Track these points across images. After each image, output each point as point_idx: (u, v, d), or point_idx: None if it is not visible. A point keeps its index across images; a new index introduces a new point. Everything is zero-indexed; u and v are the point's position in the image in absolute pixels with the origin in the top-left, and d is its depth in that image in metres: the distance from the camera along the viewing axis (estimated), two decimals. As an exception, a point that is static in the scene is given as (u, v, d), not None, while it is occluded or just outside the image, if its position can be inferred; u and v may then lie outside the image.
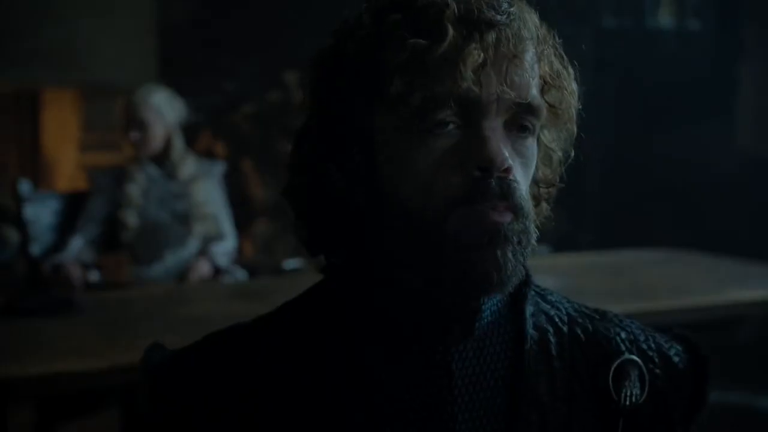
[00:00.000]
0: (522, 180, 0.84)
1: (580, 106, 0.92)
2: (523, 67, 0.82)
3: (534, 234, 0.85)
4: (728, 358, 3.71)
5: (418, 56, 0.80)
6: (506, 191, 0.81)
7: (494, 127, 0.82)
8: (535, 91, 0.84)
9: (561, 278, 3.01)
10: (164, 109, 3.41)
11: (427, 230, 0.82)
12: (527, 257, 0.85)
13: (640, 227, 5.55)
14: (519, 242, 0.83)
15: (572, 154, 0.93)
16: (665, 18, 6.20)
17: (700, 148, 5.67)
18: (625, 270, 3.37)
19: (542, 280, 1.00)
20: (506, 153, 0.81)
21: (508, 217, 0.82)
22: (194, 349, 0.92)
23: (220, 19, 5.72)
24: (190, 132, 4.93)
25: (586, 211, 6.04)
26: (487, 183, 0.81)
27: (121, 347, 2.20)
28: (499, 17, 0.82)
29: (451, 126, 0.82)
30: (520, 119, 0.84)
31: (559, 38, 0.90)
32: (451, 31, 0.80)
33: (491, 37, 0.81)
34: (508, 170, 0.81)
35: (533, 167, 0.87)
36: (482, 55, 0.80)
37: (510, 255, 0.82)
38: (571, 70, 0.90)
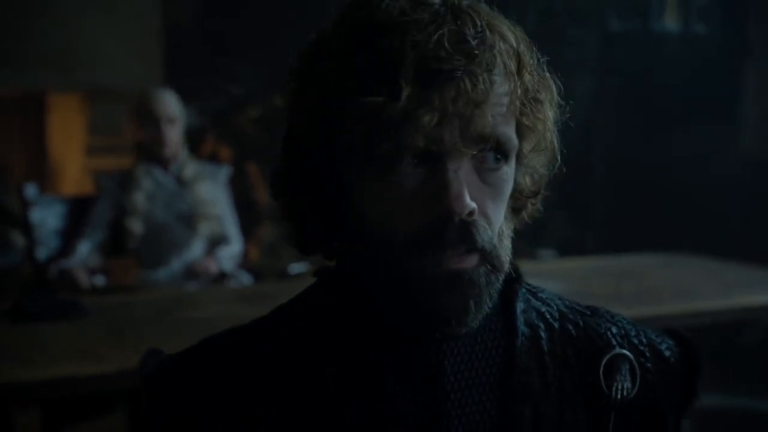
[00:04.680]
0: (492, 211, 0.84)
1: (568, 115, 0.90)
2: (486, 115, 0.80)
3: (506, 261, 0.86)
4: (733, 361, 3.71)
5: (375, 113, 0.79)
6: (467, 236, 0.81)
7: (457, 168, 0.80)
8: (503, 128, 0.82)
9: (565, 282, 3.01)
10: (180, 110, 3.44)
11: (391, 265, 0.83)
12: (496, 291, 0.85)
13: (645, 231, 5.54)
14: (487, 282, 0.83)
15: (557, 164, 0.92)
16: (670, 21, 6.20)
17: (704, 152, 5.67)
18: (630, 274, 3.36)
19: (547, 284, 1.01)
20: (467, 197, 0.80)
21: (472, 262, 0.82)
22: (191, 353, 0.93)
23: (224, 22, 5.73)
24: (195, 136, 4.94)
25: (590, 215, 6.03)
26: (447, 228, 0.80)
27: (127, 351, 2.20)
28: (459, 63, 0.78)
29: (415, 167, 0.81)
30: (491, 152, 0.83)
31: (545, 52, 0.87)
32: (405, 91, 0.77)
33: (449, 90, 0.78)
34: (471, 213, 0.80)
35: (508, 191, 0.86)
36: (437, 114, 0.78)
37: (472, 300, 0.82)
38: (552, 88, 0.88)
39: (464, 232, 0.81)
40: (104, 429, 2.87)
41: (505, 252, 0.86)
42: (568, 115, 0.90)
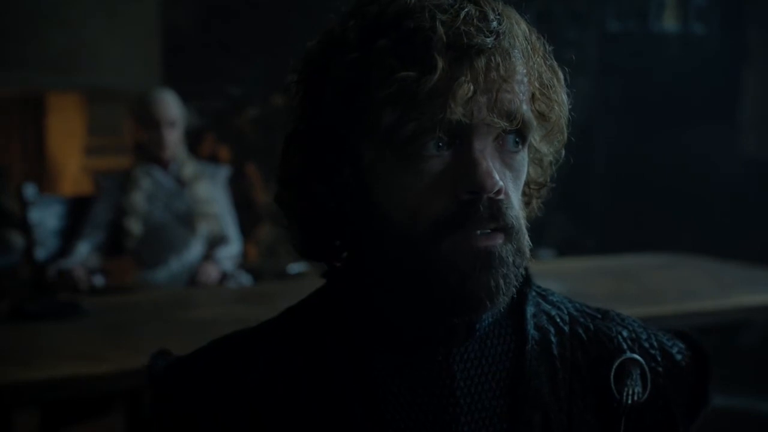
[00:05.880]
0: (513, 193, 0.85)
1: (570, 106, 0.91)
2: (513, 91, 0.82)
3: (527, 246, 0.86)
4: (733, 361, 3.71)
5: (408, 89, 0.79)
6: (496, 213, 0.82)
7: (484, 148, 0.82)
8: (525, 107, 0.83)
9: (566, 282, 3.01)
10: (180, 112, 3.44)
11: (417, 252, 0.83)
12: (521, 272, 0.86)
13: (645, 231, 5.54)
14: (513, 262, 0.84)
15: (563, 155, 0.94)
16: (669, 22, 6.20)
17: (704, 153, 5.67)
18: (631, 274, 3.36)
19: (548, 283, 1.00)
20: (496, 175, 0.81)
21: (499, 239, 0.82)
22: (199, 355, 0.92)
23: (224, 24, 5.73)
24: (195, 136, 4.94)
25: (590, 215, 6.03)
26: (477, 206, 0.81)
27: (126, 351, 2.19)
28: (488, 40, 0.80)
29: (440, 149, 0.82)
30: (511, 134, 0.84)
31: (549, 44, 0.89)
32: (440, 63, 0.79)
33: (480, 63, 0.80)
34: (498, 192, 0.81)
35: (524, 176, 0.87)
36: (472, 86, 0.79)
37: (502, 278, 0.82)
38: (560, 75, 0.89)
39: (493, 210, 0.82)
40: (103, 429, 2.87)
41: (526, 237, 0.86)
42: (571, 103, 0.91)
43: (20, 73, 5.20)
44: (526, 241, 0.86)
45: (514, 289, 0.85)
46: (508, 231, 0.83)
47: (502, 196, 0.82)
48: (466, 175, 0.81)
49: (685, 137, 5.72)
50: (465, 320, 0.87)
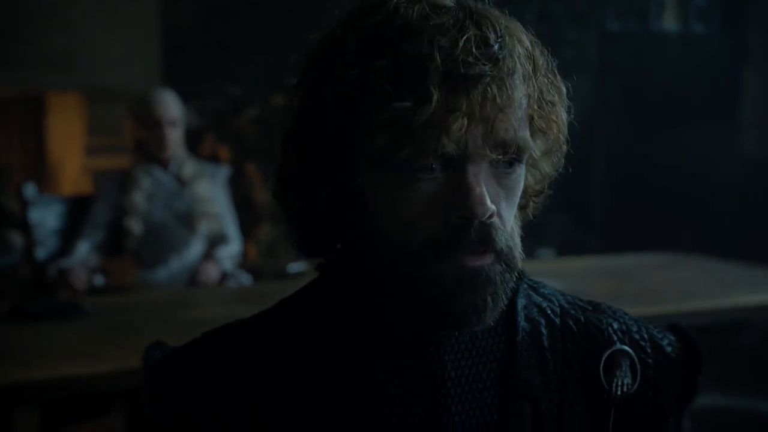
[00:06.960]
0: (507, 211, 0.84)
1: (572, 115, 0.91)
2: (509, 120, 0.81)
3: (520, 259, 0.86)
4: (733, 361, 3.71)
5: (402, 118, 0.78)
6: (487, 238, 0.82)
7: (478, 172, 0.81)
8: (523, 133, 0.82)
9: (567, 282, 3.01)
10: (181, 112, 3.44)
11: (406, 267, 0.83)
12: (510, 289, 0.86)
13: (645, 231, 5.54)
14: (502, 280, 0.84)
15: (561, 165, 0.93)
16: (669, 22, 6.20)
17: (704, 153, 5.67)
18: (631, 273, 3.36)
19: (548, 283, 1.00)
20: (488, 200, 0.80)
21: (488, 259, 0.82)
22: (195, 347, 0.93)
23: (224, 24, 5.73)
24: (195, 136, 4.94)
25: (590, 215, 6.03)
26: (468, 231, 0.81)
27: (126, 351, 2.19)
28: (486, 68, 0.79)
29: (434, 171, 0.81)
30: (507, 157, 0.83)
31: (552, 57, 0.88)
32: (435, 95, 0.77)
33: (477, 94, 0.79)
34: (490, 216, 0.81)
35: (520, 191, 0.87)
36: (466, 119, 0.78)
37: (489, 296, 0.83)
38: (563, 90, 0.88)
39: (483, 235, 0.81)
40: (103, 429, 2.87)
41: (518, 251, 0.86)
42: (572, 116, 0.91)
43: (20, 73, 5.20)
44: (518, 255, 0.86)
45: (503, 304, 0.85)
46: (497, 253, 0.83)
47: (494, 220, 0.82)
48: (459, 200, 0.80)
49: (685, 137, 5.73)
50: (453, 332, 0.87)
